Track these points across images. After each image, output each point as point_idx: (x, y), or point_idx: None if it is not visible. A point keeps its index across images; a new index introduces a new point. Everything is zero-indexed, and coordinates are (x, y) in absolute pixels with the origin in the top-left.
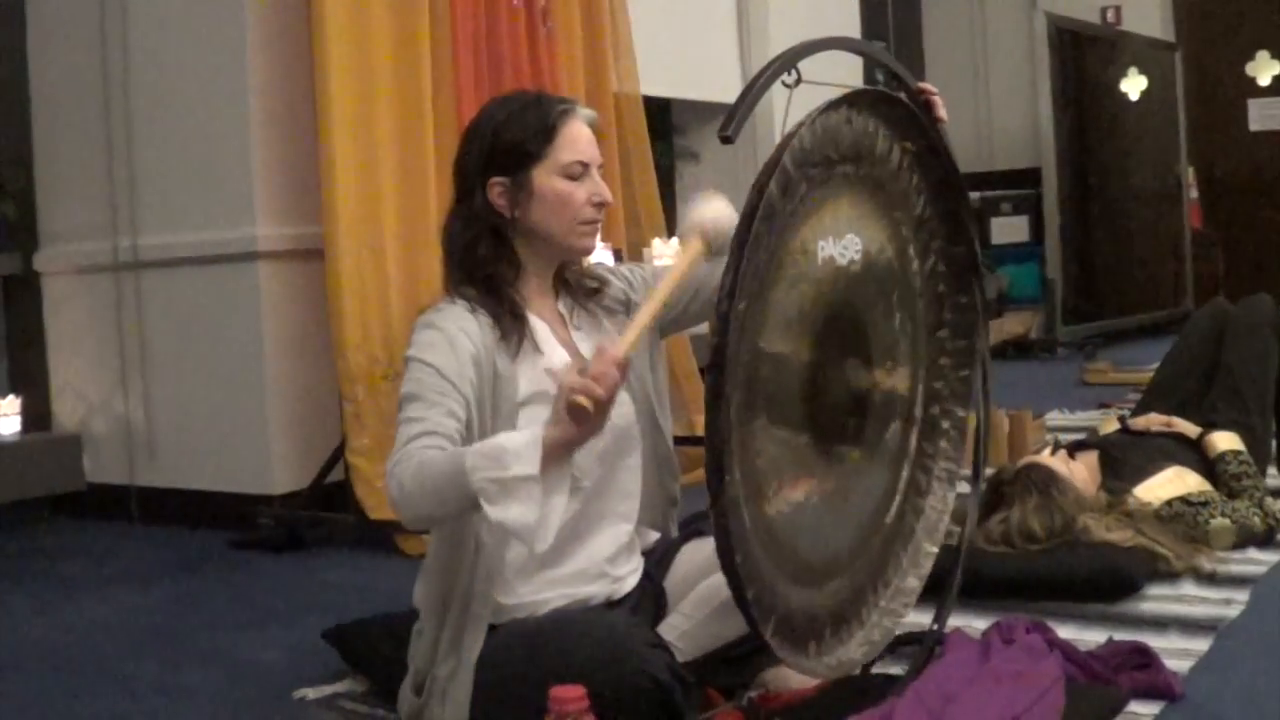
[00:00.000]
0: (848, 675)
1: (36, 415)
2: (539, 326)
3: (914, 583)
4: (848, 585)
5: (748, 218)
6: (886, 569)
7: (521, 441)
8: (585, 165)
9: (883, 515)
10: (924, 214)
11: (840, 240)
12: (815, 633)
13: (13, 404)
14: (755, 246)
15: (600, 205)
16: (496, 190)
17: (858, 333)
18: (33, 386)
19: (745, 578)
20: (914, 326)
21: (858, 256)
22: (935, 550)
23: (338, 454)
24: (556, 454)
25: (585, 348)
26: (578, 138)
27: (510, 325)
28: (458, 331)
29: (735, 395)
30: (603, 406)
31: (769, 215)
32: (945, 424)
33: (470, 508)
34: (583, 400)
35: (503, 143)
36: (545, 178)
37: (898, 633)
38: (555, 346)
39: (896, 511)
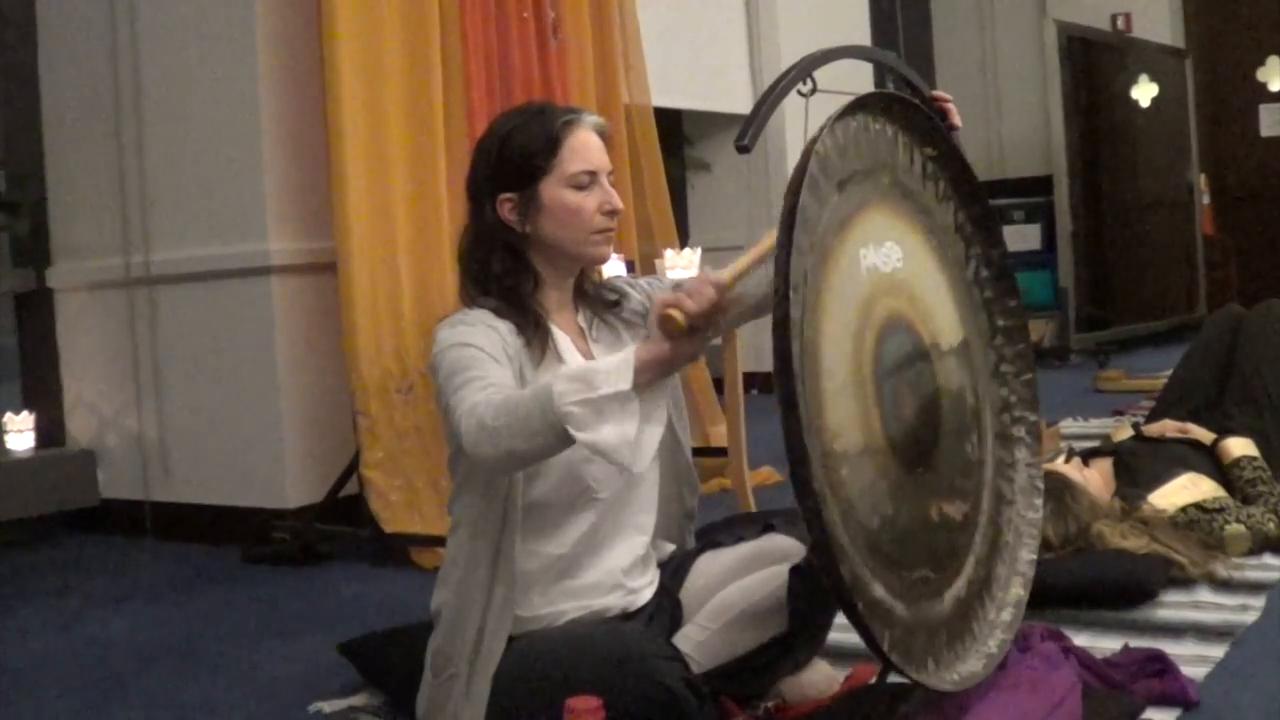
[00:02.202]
0: (865, 685)
1: (50, 431)
2: (560, 337)
3: (1019, 591)
4: (954, 601)
5: (787, 219)
6: (991, 583)
7: (614, 361)
8: (593, 174)
9: (972, 530)
10: (957, 220)
11: (880, 248)
12: (932, 649)
13: (27, 420)
14: (800, 252)
15: (612, 213)
16: (507, 206)
17: (916, 346)
18: (46, 402)
19: (852, 589)
20: (973, 334)
21: (900, 264)
22: (1033, 557)
23: (352, 467)
24: (649, 372)
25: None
26: (584, 147)
27: (533, 333)
28: (487, 328)
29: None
30: (696, 320)
31: (805, 222)
32: (1019, 431)
33: (556, 440)
34: (675, 313)
35: (509, 158)
36: (553, 190)
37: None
38: (576, 357)
39: (987, 523)
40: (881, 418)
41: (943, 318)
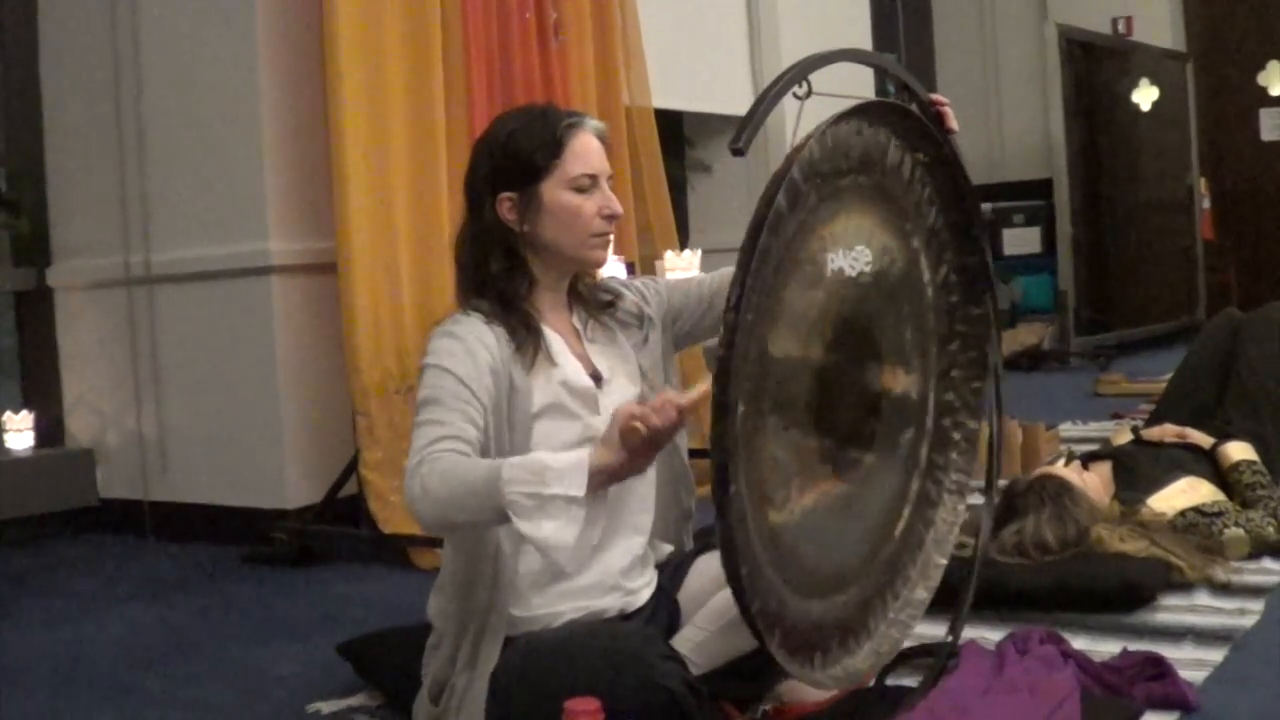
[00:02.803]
0: (861, 687)
1: (50, 430)
2: (553, 339)
3: (923, 594)
4: (855, 597)
5: (755, 229)
6: (895, 581)
7: (567, 462)
8: (594, 178)
9: (892, 527)
10: (936, 225)
11: (850, 252)
12: (821, 644)
13: (26, 419)
14: (763, 258)
15: (610, 218)
16: (506, 205)
17: (868, 343)
18: (46, 402)
19: (750, 590)
20: (924, 338)
21: (867, 268)
22: (944, 562)
23: (351, 468)
24: (600, 478)
25: (600, 361)
26: (586, 150)
27: (525, 337)
28: (476, 342)
29: (742, 405)
30: (656, 438)
31: (776, 227)
32: (956, 435)
33: (495, 520)
34: (639, 425)
35: (510, 158)
36: (554, 192)
37: (907, 644)
38: (570, 359)
39: (906, 523)
40: (819, 415)
41: (901, 321)
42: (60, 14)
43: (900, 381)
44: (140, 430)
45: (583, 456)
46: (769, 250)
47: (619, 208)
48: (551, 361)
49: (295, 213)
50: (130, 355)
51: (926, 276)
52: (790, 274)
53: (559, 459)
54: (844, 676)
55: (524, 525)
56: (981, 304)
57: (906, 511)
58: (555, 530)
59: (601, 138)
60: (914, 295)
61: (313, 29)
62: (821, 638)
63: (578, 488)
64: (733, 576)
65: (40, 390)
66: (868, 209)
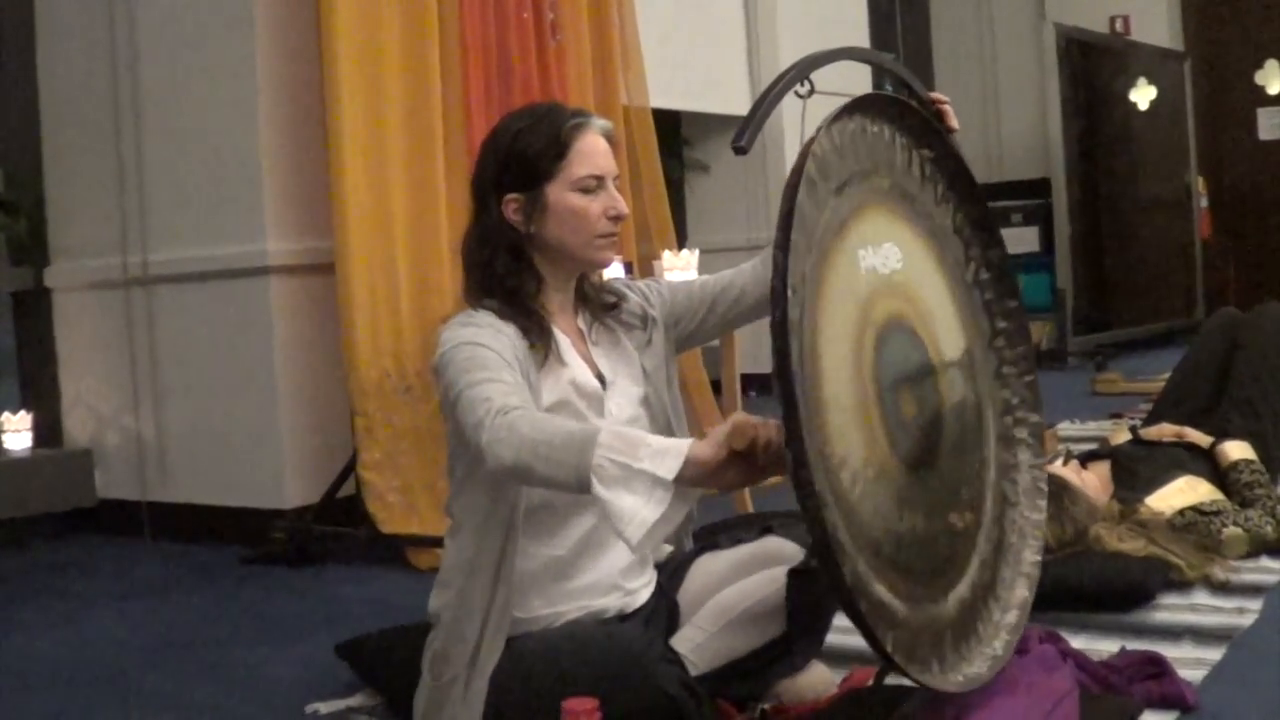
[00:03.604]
0: (862, 687)
1: (48, 431)
2: (562, 339)
3: (1024, 592)
4: (957, 603)
5: (784, 223)
6: (995, 585)
7: (665, 443)
8: (600, 178)
9: (975, 532)
10: (956, 221)
11: (879, 249)
12: (936, 651)
13: (24, 419)
14: (798, 252)
15: (616, 218)
16: (512, 206)
17: (917, 349)
18: (44, 402)
19: (855, 587)
20: (969, 338)
21: (899, 265)
22: (1037, 558)
23: (349, 468)
24: (694, 470)
25: (603, 363)
26: (592, 151)
27: (537, 335)
28: (496, 331)
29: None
30: (764, 450)
31: (803, 222)
32: (1021, 433)
33: (571, 480)
34: (751, 429)
35: (516, 159)
36: (559, 193)
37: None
38: (577, 360)
39: (991, 525)
40: (883, 420)
41: (943, 320)
42: (58, 14)
43: (957, 384)
44: (138, 431)
45: (683, 443)
46: (798, 246)
47: (625, 208)
48: (561, 361)
49: (293, 213)
50: (128, 356)
51: (960, 274)
52: (825, 274)
53: (658, 438)
54: (967, 680)
55: (603, 492)
56: (1015, 296)
57: (988, 515)
58: (633, 506)
59: (608, 137)
60: (957, 291)
61: (310, 30)
62: (936, 645)
63: (668, 471)
64: (834, 576)
65: (38, 391)
66: (888, 208)
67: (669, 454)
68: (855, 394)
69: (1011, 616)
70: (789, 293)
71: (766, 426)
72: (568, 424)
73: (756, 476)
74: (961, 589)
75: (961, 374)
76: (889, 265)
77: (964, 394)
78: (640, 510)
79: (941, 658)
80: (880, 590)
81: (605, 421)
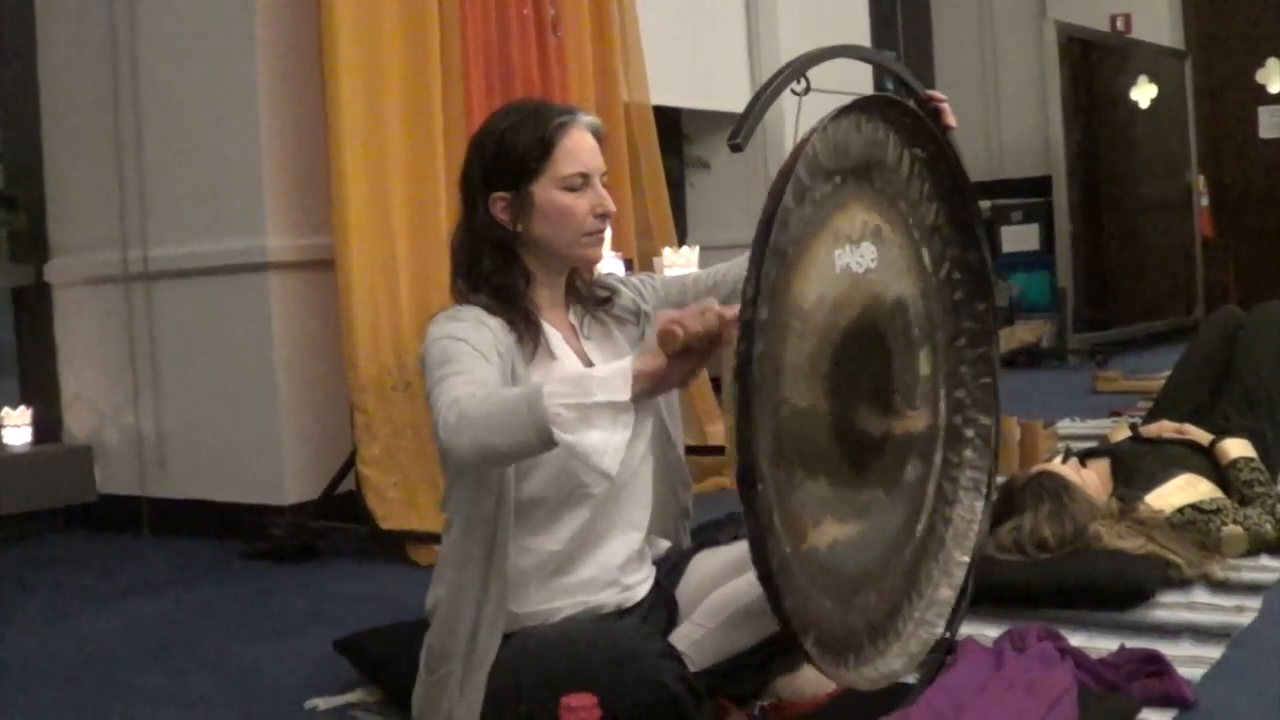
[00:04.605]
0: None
1: (47, 426)
2: (552, 334)
3: (947, 593)
4: (883, 598)
5: (765, 224)
6: (919, 580)
7: (609, 369)
8: (586, 176)
9: (913, 528)
10: (937, 221)
11: (857, 248)
12: (854, 645)
13: (24, 415)
14: (774, 254)
15: (603, 215)
16: (499, 205)
17: (878, 344)
18: (44, 398)
19: (783, 588)
20: (934, 336)
21: (874, 264)
22: (966, 560)
23: (349, 464)
24: (642, 384)
25: (596, 357)
26: (577, 148)
27: (525, 330)
28: (481, 325)
29: (764, 416)
30: (694, 341)
31: (784, 223)
32: (969, 432)
33: (535, 440)
34: (676, 328)
35: (502, 157)
36: (545, 191)
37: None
38: (569, 353)
39: (926, 523)
40: (834, 413)
41: (909, 319)
42: (58, 10)
43: (910, 383)
44: (138, 426)
45: (625, 363)
46: (779, 246)
47: (612, 205)
48: (551, 355)
49: (293, 209)
50: (128, 351)
51: (930, 273)
52: (802, 271)
53: (600, 369)
54: (879, 677)
55: (567, 437)
56: (986, 299)
57: (925, 512)
58: (601, 438)
59: (595, 133)
60: (923, 292)
61: (311, 25)
62: (853, 639)
63: (622, 393)
64: (764, 572)
65: (38, 386)
66: (871, 206)
67: (616, 377)
68: (811, 389)
69: (932, 614)
70: (759, 296)
71: (688, 320)
72: (509, 390)
73: (703, 364)
74: (889, 583)
75: (920, 373)
76: (864, 264)
77: (918, 391)
78: (610, 439)
79: (859, 652)
80: (805, 582)
81: None
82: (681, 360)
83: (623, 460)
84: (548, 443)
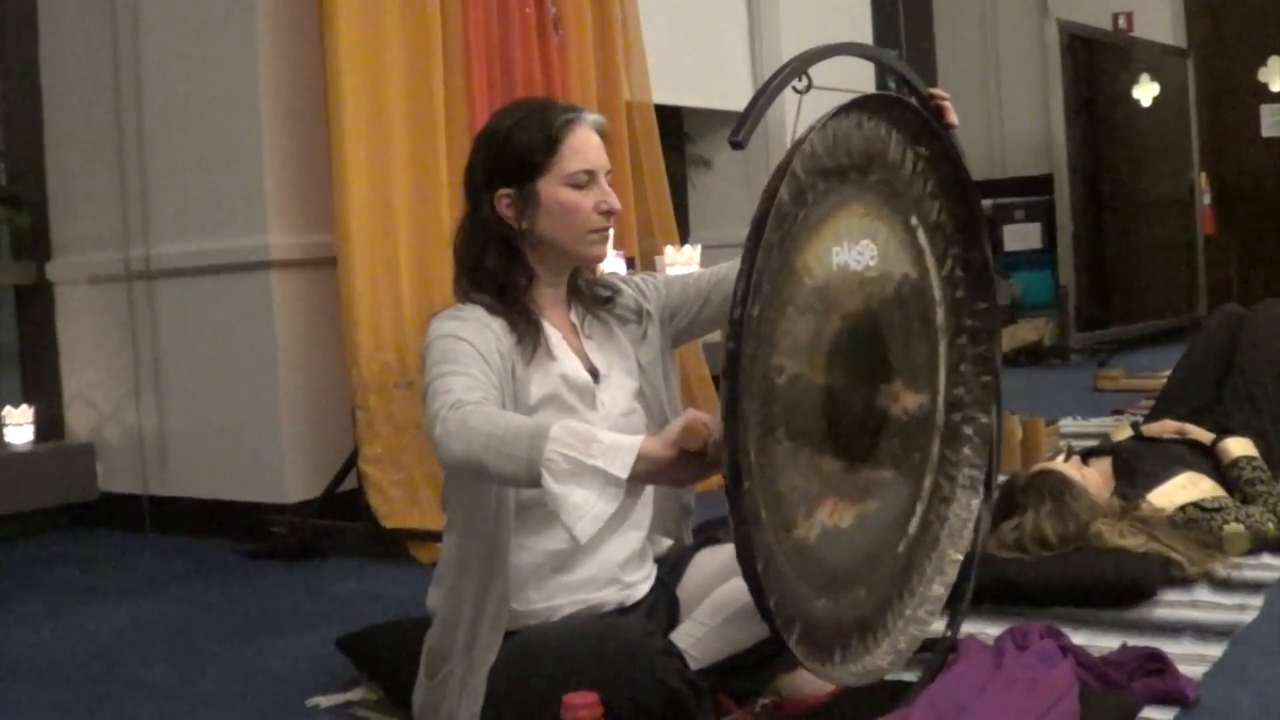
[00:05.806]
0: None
1: (49, 425)
2: (552, 333)
3: (939, 590)
4: (873, 593)
5: (759, 222)
6: (911, 577)
7: (617, 440)
8: (591, 174)
9: (906, 523)
10: (940, 219)
11: (855, 246)
12: (841, 640)
13: (25, 413)
14: (767, 252)
15: (608, 213)
16: (504, 202)
17: (876, 341)
18: (45, 396)
19: (767, 585)
20: (933, 334)
21: (873, 262)
22: (960, 557)
23: (350, 462)
24: (645, 466)
25: (596, 357)
26: (583, 146)
27: (525, 330)
28: (482, 325)
29: (753, 405)
30: (715, 450)
31: (780, 221)
32: (968, 430)
33: (522, 475)
34: (703, 429)
35: (507, 154)
36: (551, 188)
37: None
38: (568, 353)
39: (920, 519)
40: (827, 410)
41: (909, 315)
42: (60, 9)
43: (910, 378)
44: (140, 425)
45: (635, 440)
46: (773, 244)
47: (617, 203)
48: (550, 355)
49: (295, 207)
50: (130, 350)
51: (933, 272)
52: (796, 268)
53: (610, 435)
54: (864, 673)
55: (555, 486)
56: (988, 298)
57: (920, 507)
58: (584, 500)
59: (600, 131)
60: (922, 290)
61: (312, 23)
62: (841, 634)
63: (621, 469)
64: (749, 570)
65: (40, 385)
66: (871, 204)
67: (621, 451)
68: (805, 385)
69: (923, 612)
70: (750, 294)
71: (717, 425)
72: (520, 418)
73: (707, 473)
74: (880, 578)
75: (919, 368)
76: (862, 262)
77: (916, 389)
78: (593, 505)
79: (846, 647)
80: (795, 580)
81: (598, 414)
82: (691, 460)
83: (600, 532)
84: (534, 482)
